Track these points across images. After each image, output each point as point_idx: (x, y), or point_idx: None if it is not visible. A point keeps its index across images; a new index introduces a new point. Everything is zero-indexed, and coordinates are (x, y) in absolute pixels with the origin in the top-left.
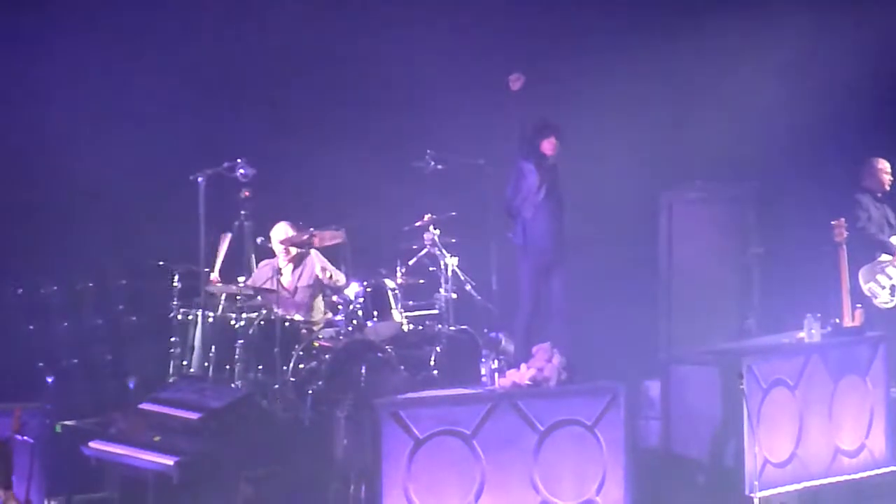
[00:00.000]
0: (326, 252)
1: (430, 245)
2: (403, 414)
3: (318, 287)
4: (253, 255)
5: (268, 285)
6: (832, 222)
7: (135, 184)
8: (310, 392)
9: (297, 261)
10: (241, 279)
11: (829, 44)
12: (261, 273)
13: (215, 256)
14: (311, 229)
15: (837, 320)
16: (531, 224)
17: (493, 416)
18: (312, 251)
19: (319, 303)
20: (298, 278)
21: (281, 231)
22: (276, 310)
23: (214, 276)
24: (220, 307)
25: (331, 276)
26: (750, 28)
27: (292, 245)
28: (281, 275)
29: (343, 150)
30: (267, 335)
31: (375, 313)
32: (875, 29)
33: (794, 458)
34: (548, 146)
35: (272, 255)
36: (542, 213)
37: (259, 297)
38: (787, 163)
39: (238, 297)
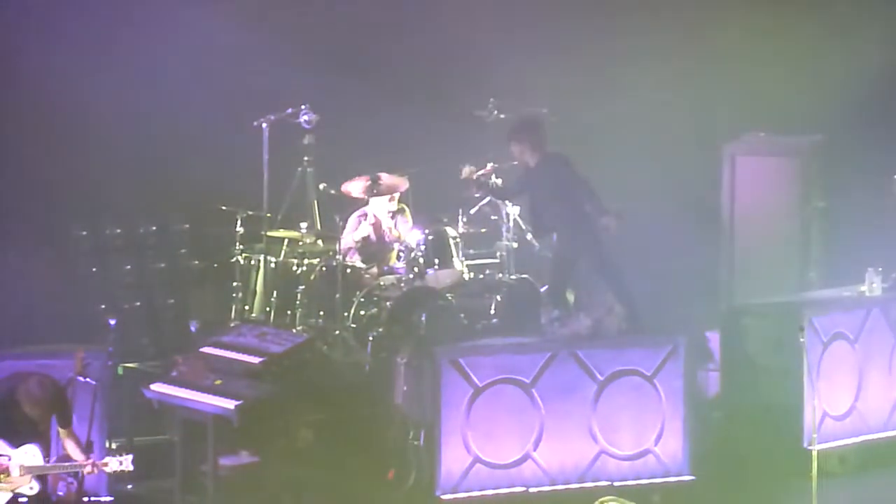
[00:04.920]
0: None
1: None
2: (463, 362)
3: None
4: (315, 202)
5: (370, 236)
6: (894, 176)
7: (199, 128)
8: (370, 338)
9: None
10: (303, 225)
11: None
12: (361, 228)
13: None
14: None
15: None
16: None
17: (552, 366)
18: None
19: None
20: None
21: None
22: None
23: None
24: (283, 252)
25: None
26: None
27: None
28: (382, 222)
29: (406, 97)
30: (328, 281)
31: (437, 261)
32: None
33: (853, 411)
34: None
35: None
36: None
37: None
38: (851, 116)
39: (300, 243)
